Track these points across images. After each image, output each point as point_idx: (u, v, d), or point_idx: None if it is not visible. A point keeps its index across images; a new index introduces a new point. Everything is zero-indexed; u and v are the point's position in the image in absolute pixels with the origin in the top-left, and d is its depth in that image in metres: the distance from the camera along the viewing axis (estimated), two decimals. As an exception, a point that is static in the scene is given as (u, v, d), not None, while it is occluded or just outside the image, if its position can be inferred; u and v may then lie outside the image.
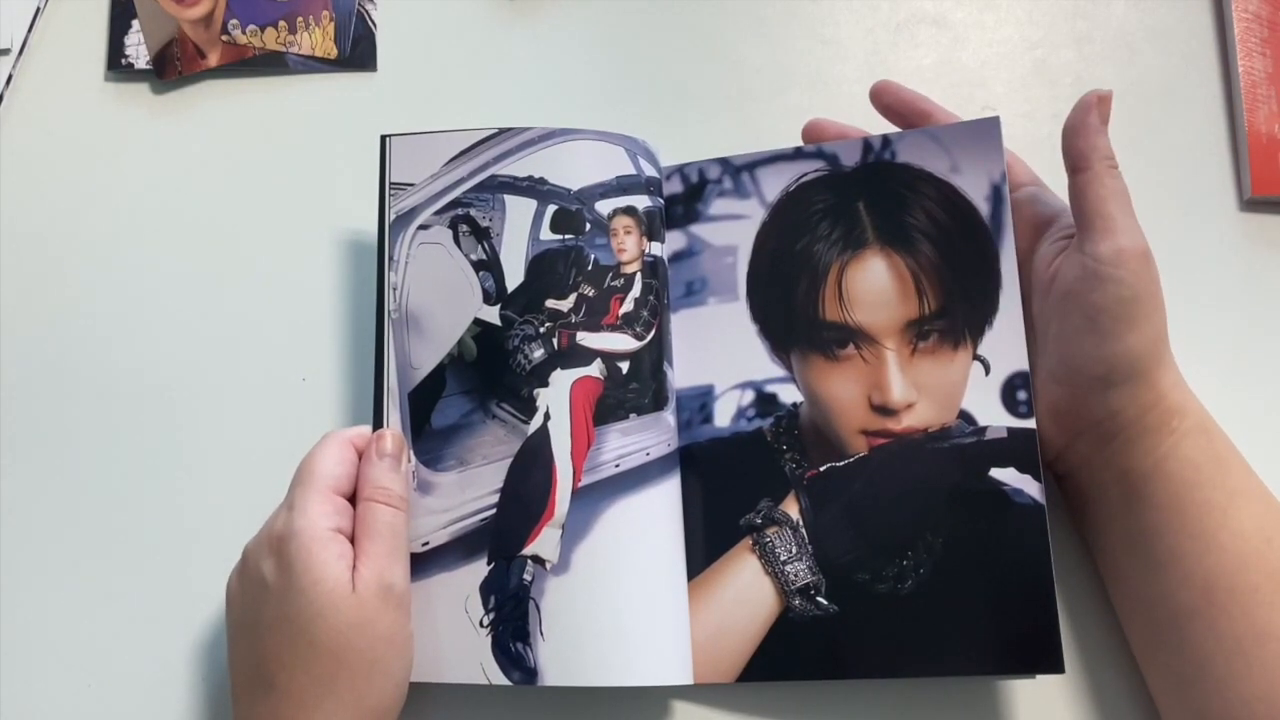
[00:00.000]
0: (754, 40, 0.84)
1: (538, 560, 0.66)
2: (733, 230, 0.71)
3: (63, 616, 0.72)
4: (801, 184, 0.71)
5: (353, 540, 0.62)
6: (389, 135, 0.73)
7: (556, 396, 0.68)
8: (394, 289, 0.71)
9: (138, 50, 0.84)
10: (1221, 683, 0.60)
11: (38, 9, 0.85)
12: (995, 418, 0.66)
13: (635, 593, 0.65)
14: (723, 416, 0.69)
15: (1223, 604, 0.60)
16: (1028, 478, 0.64)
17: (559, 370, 0.69)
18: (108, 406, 0.76)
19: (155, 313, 0.79)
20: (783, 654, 0.65)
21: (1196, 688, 0.61)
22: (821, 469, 0.67)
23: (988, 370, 0.66)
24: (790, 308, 0.69)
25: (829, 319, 0.68)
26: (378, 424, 0.69)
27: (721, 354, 0.70)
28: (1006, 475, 0.65)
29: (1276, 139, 0.78)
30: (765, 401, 0.69)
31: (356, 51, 0.84)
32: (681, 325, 0.71)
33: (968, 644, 0.64)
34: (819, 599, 0.65)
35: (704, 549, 0.67)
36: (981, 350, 0.66)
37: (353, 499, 0.64)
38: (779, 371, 0.69)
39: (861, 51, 0.84)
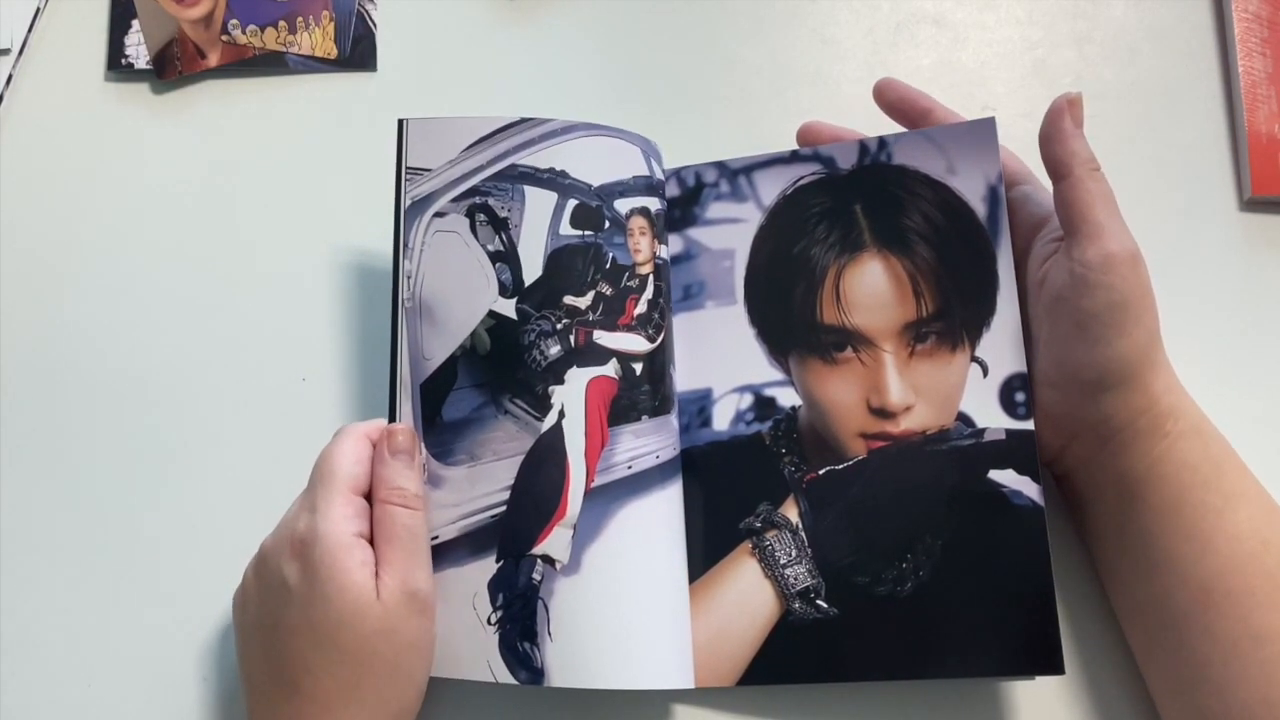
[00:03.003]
0: (754, 40, 0.84)
1: (548, 560, 0.65)
2: (730, 234, 0.71)
3: (63, 616, 0.72)
4: (798, 187, 0.71)
5: (372, 542, 0.62)
6: (406, 119, 0.71)
7: (572, 395, 0.68)
8: (408, 277, 0.69)
9: (138, 50, 0.84)
10: (1220, 685, 0.60)
11: (38, 9, 0.85)
12: (994, 419, 0.65)
13: (643, 596, 0.65)
14: (721, 420, 0.69)
15: (1219, 606, 0.60)
16: (1026, 479, 0.64)
17: (575, 368, 0.68)
18: (107, 406, 0.77)
19: (155, 313, 0.79)
20: (783, 657, 0.65)
21: (1195, 690, 0.61)
22: (820, 472, 0.67)
23: (986, 372, 0.66)
24: (788, 311, 0.69)
25: (826, 322, 0.68)
26: (391, 416, 0.68)
27: (719, 357, 0.70)
28: (1005, 477, 0.65)
29: (1276, 139, 0.78)
30: (764, 405, 0.69)
31: (356, 51, 0.84)
32: (680, 328, 0.71)
33: (968, 646, 0.63)
34: (819, 602, 0.65)
35: (703, 552, 0.67)
36: (979, 352, 0.66)
37: (370, 497, 0.64)
38: (777, 375, 0.69)
39: (861, 51, 0.83)
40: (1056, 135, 0.64)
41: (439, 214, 0.70)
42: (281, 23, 0.84)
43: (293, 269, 0.79)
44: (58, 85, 0.84)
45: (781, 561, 0.66)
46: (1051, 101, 0.66)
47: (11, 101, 0.83)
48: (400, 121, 0.71)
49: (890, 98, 0.74)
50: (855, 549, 0.66)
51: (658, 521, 0.67)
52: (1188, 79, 0.82)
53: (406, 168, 0.71)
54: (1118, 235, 0.62)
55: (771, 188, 0.71)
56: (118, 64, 0.84)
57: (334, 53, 0.84)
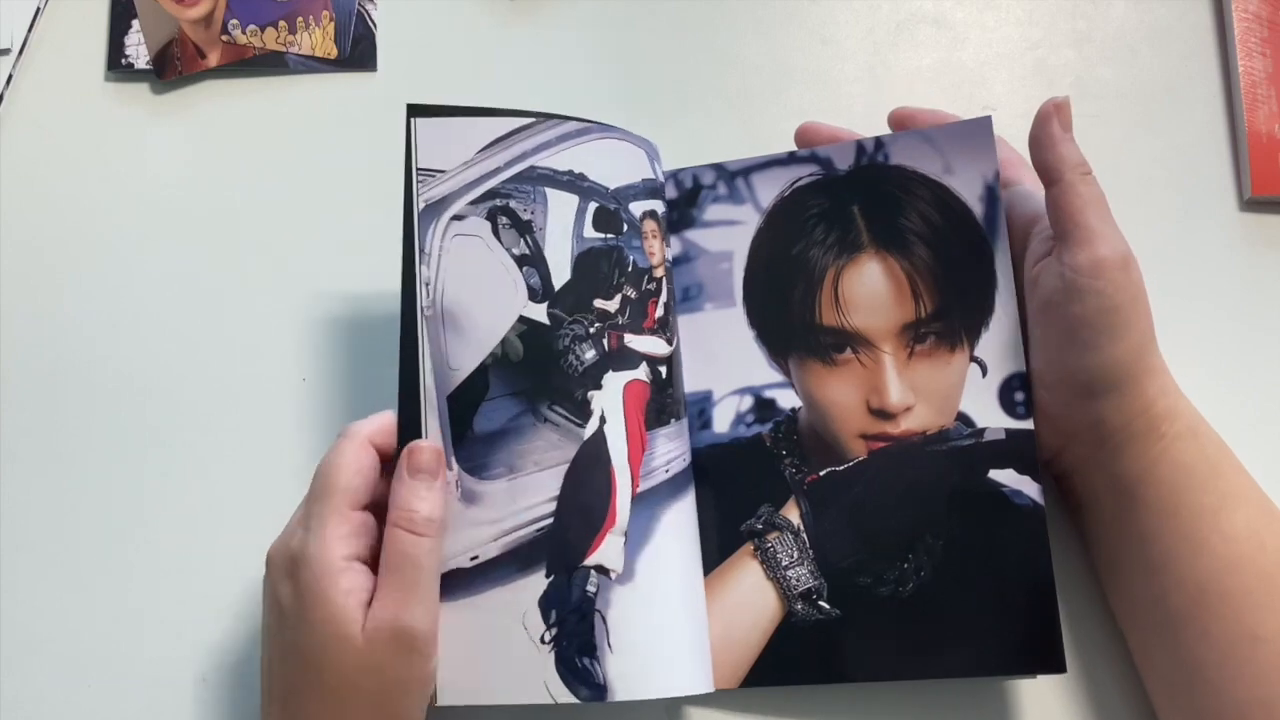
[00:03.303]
0: (754, 40, 0.84)
1: (602, 570, 0.63)
2: (728, 236, 0.71)
3: (63, 616, 0.73)
4: (796, 189, 0.70)
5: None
6: (416, 112, 0.67)
7: (610, 399, 0.66)
8: (427, 284, 0.65)
9: (138, 50, 0.84)
10: (1215, 686, 0.60)
11: (38, 9, 0.85)
12: (993, 419, 0.66)
13: (686, 600, 0.65)
14: (721, 422, 0.69)
15: (1215, 607, 0.60)
16: (1027, 479, 0.64)
17: (611, 372, 0.66)
18: (106, 406, 0.77)
19: (155, 312, 0.79)
20: (786, 659, 0.66)
21: (1192, 690, 0.61)
22: (821, 474, 0.67)
23: (985, 372, 0.66)
24: (787, 313, 0.69)
25: (826, 324, 0.68)
26: (409, 430, 0.63)
27: (719, 360, 0.70)
28: (1005, 476, 0.65)
29: (1276, 139, 0.78)
30: (764, 407, 0.69)
31: (356, 51, 0.84)
32: (680, 331, 0.70)
33: (970, 645, 0.64)
34: (821, 603, 0.65)
35: (706, 555, 0.67)
36: (978, 352, 0.66)
37: (380, 510, 0.61)
38: (777, 376, 0.69)
39: (861, 51, 0.83)
40: (1045, 140, 0.64)
41: (457, 217, 0.66)
42: (281, 23, 0.84)
43: (293, 268, 0.79)
44: (58, 85, 0.84)
45: (783, 563, 0.66)
46: (1040, 106, 0.65)
47: (11, 101, 0.83)
48: (410, 120, 0.67)
49: (911, 128, 0.72)
50: (857, 550, 0.66)
51: (686, 524, 0.67)
52: (1188, 79, 0.82)
53: (418, 169, 0.66)
54: (1109, 239, 0.61)
55: (769, 189, 0.71)
56: (118, 64, 0.84)
57: (334, 53, 0.84)
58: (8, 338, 0.78)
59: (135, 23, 0.84)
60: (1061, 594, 0.64)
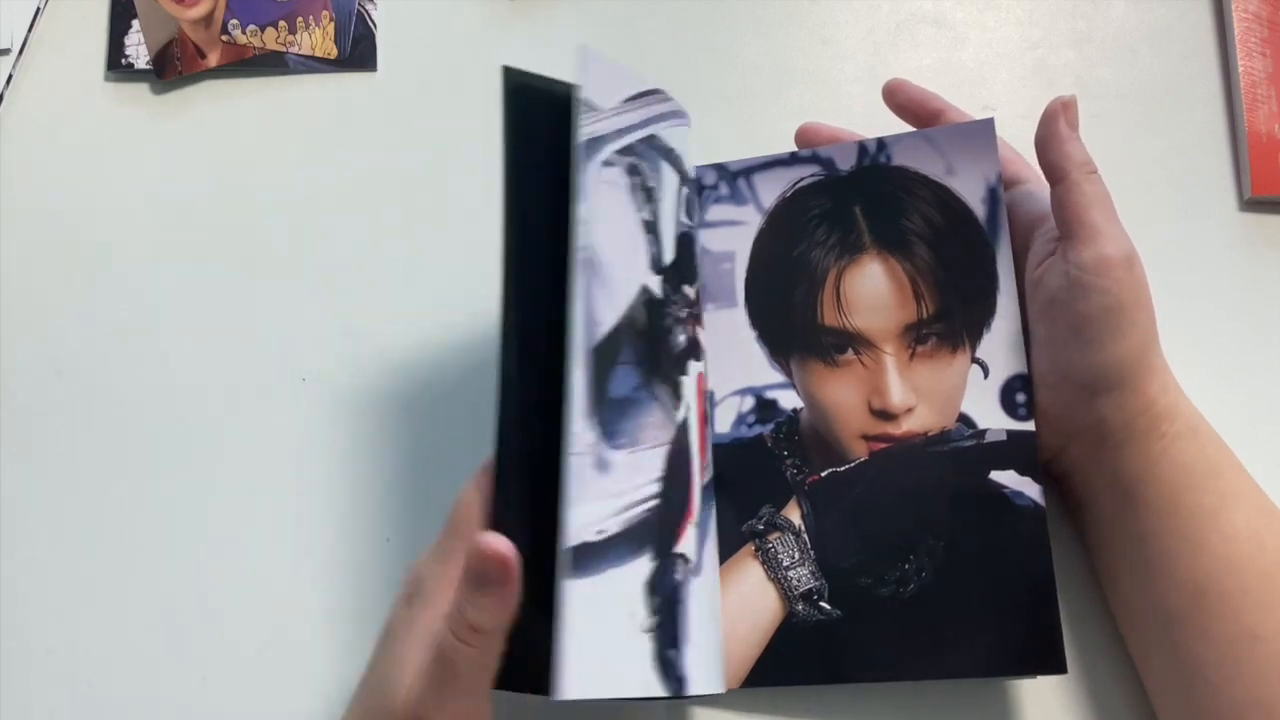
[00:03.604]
0: (754, 40, 0.84)
1: (684, 560, 0.62)
2: (730, 236, 0.71)
3: (63, 616, 0.73)
4: (798, 189, 0.70)
5: None
6: (586, 48, 0.61)
7: (690, 387, 0.66)
8: (584, 223, 0.58)
9: (138, 50, 0.84)
10: (1214, 686, 0.60)
11: (38, 9, 0.85)
12: (995, 420, 0.65)
13: (719, 596, 0.66)
14: (723, 423, 0.69)
15: (1213, 607, 0.60)
16: (1028, 480, 0.64)
17: (691, 360, 0.66)
18: (107, 406, 0.77)
19: (154, 312, 0.79)
20: (787, 659, 0.65)
21: (1190, 690, 0.61)
22: (822, 474, 0.67)
23: (986, 373, 0.66)
24: (788, 313, 0.69)
25: (827, 324, 0.68)
26: (507, 401, 0.57)
27: (721, 360, 0.69)
28: (1006, 478, 0.65)
29: (1276, 139, 0.78)
30: (765, 407, 0.69)
31: (356, 51, 0.84)
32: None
33: (970, 646, 0.64)
34: (822, 604, 0.65)
35: None
36: (980, 353, 0.66)
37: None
38: (778, 377, 0.69)
39: (861, 51, 0.83)
40: (1051, 139, 0.64)
41: (607, 163, 0.62)
42: (281, 23, 0.84)
43: (292, 268, 0.79)
44: (58, 85, 0.84)
45: (784, 564, 0.66)
46: (1047, 104, 0.65)
47: (11, 101, 0.83)
48: (583, 50, 0.61)
49: (901, 99, 0.73)
50: (858, 551, 0.66)
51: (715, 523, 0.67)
52: (1188, 79, 0.82)
53: (582, 100, 0.60)
54: (1114, 238, 0.61)
55: (771, 190, 0.71)
56: (118, 64, 0.84)
57: (334, 53, 0.84)
58: (8, 338, 0.78)
59: (135, 23, 0.84)
60: (1062, 594, 0.64)
